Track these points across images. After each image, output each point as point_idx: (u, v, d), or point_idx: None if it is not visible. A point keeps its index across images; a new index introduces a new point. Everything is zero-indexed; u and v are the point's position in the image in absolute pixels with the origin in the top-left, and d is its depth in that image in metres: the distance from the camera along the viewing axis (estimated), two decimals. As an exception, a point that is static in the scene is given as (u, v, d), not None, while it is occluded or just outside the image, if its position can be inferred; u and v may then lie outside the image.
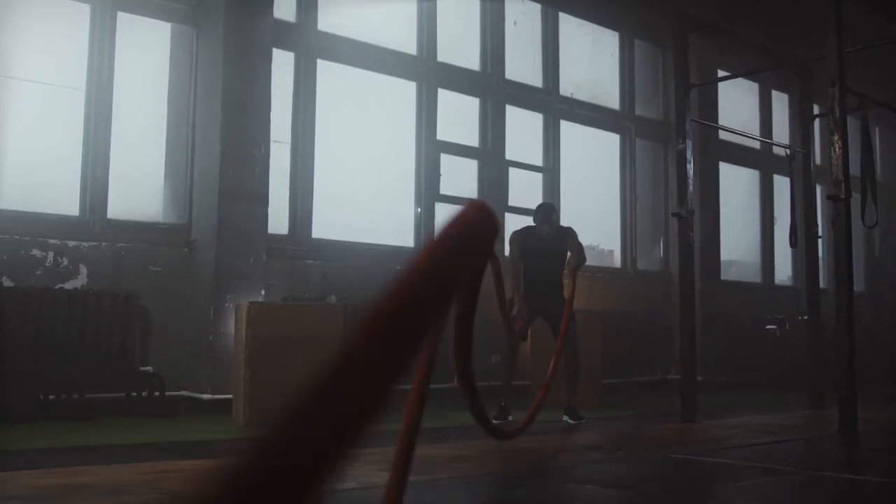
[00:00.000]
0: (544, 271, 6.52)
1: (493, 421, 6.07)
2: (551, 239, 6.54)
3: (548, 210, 6.71)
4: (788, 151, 7.90)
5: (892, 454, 5.43)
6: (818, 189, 9.56)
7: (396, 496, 2.14)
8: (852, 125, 8.19)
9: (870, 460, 5.01)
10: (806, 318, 8.06)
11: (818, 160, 10.00)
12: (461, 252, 0.83)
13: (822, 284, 8.47)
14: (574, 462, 4.55)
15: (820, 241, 8.03)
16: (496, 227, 0.99)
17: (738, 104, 11.69)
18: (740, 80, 11.48)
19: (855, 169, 7.18)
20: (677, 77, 6.77)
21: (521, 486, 3.45)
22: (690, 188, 6.52)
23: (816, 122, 8.98)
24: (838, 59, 5.67)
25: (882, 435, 6.23)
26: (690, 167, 6.52)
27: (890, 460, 5.12)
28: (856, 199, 7.15)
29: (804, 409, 7.59)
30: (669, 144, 10.28)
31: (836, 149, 5.60)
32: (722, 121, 10.31)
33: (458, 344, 1.83)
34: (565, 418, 6.40)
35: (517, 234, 6.71)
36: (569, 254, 6.60)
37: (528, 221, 6.88)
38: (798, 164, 8.01)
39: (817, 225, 7.81)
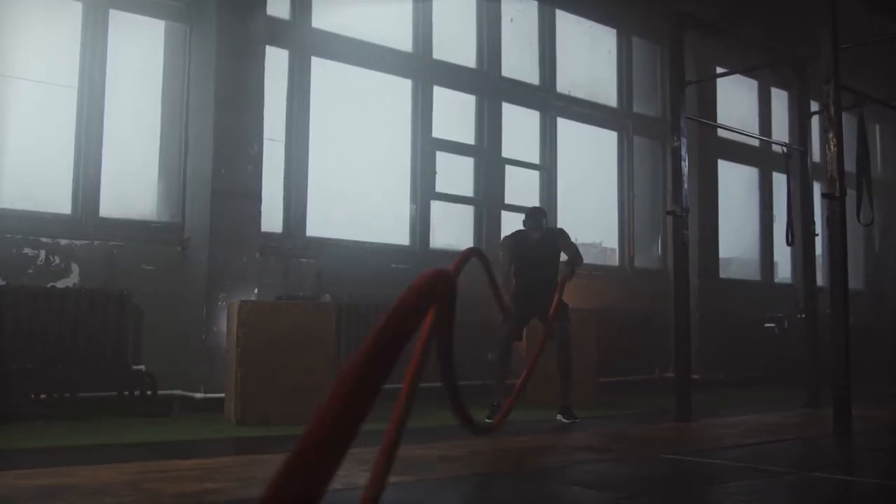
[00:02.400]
0: (537, 273, 6.50)
1: (486, 420, 6.08)
2: (542, 242, 6.54)
3: (538, 215, 6.68)
4: (785, 149, 7.85)
5: (888, 454, 5.39)
6: (816, 186, 9.52)
7: (374, 496, 2.18)
8: (850, 123, 8.16)
9: (865, 461, 4.97)
10: (804, 315, 8.01)
11: (816, 158, 9.97)
12: (415, 314, 1.13)
13: (820, 282, 8.43)
14: (563, 462, 4.52)
15: (818, 238, 7.97)
16: (448, 289, 1.27)
17: (737, 102, 11.65)
18: (740, 78, 11.44)
19: (852, 166, 7.14)
20: (672, 74, 6.73)
21: (505, 487, 3.42)
22: (685, 186, 6.47)
23: (815, 120, 8.92)
24: (833, 56, 5.63)
25: (880, 434, 6.19)
26: (685, 165, 6.48)
27: (885, 460, 5.07)
28: (853, 196, 7.12)
29: (802, 408, 7.55)
30: (667, 142, 10.22)
31: (832, 146, 5.57)
32: (722, 118, 10.27)
33: (443, 367, 1.99)
34: (559, 417, 6.38)
35: (508, 239, 6.74)
36: (562, 255, 6.60)
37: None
38: (795, 162, 7.97)
39: (814, 223, 7.75)
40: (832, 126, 5.60)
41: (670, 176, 6.98)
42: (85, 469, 3.71)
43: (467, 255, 2.42)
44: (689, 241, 6.59)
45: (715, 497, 3.65)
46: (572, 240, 6.68)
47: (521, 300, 6.51)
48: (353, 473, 3.75)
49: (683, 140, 6.48)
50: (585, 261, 9.80)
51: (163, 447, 4.70)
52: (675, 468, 4.38)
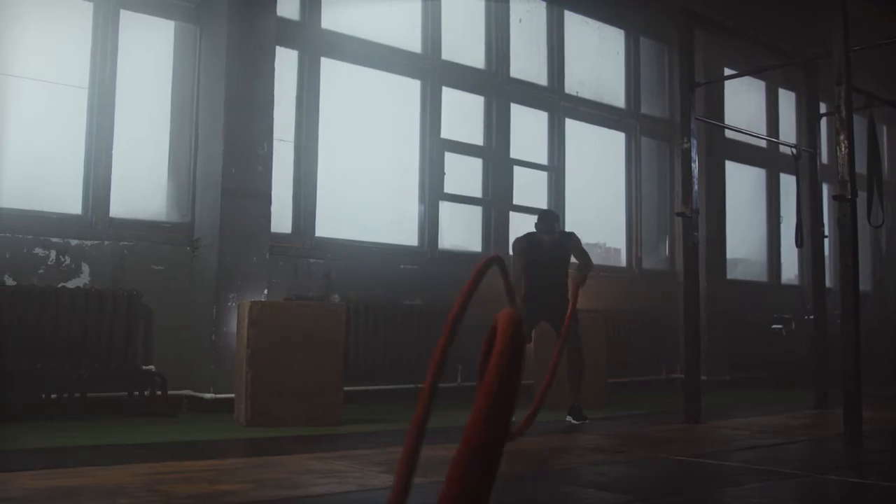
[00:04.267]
0: (548, 276, 6.52)
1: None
2: (553, 245, 6.54)
3: (550, 218, 6.71)
4: (794, 150, 7.84)
5: (897, 456, 5.38)
6: (825, 188, 9.50)
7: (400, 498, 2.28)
8: (860, 124, 8.14)
9: (875, 463, 4.96)
10: (812, 317, 8.00)
11: (825, 159, 9.95)
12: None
13: (828, 284, 8.42)
14: (575, 463, 4.52)
15: (826, 240, 7.95)
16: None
17: (745, 103, 11.64)
18: (747, 79, 11.42)
19: (862, 168, 7.13)
20: (682, 75, 6.72)
21: (518, 489, 3.41)
22: (695, 187, 6.47)
23: (824, 121, 8.90)
24: (844, 57, 5.61)
25: (889, 436, 6.19)
26: (695, 166, 6.47)
27: (894, 462, 5.07)
28: (863, 198, 7.11)
29: (810, 409, 7.55)
30: (675, 143, 10.24)
31: (842, 148, 5.55)
32: (729, 119, 10.26)
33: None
34: (569, 418, 6.38)
35: (520, 241, 6.73)
36: (572, 258, 6.60)
37: (532, 219, 6.83)
38: (804, 163, 7.95)
39: (823, 224, 7.74)
40: (843, 128, 5.58)
41: (678, 177, 6.99)
42: (97, 470, 3.72)
43: (487, 263, 2.41)
44: (699, 242, 6.59)
45: (728, 499, 3.65)
46: (582, 244, 6.67)
47: (531, 303, 6.51)
48: (366, 475, 3.76)
49: (693, 141, 6.48)
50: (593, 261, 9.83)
51: (174, 448, 4.71)
52: (687, 470, 4.38)
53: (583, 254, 6.57)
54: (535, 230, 6.67)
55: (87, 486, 3.32)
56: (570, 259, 6.66)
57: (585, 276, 6.44)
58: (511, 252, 6.74)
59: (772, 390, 9.76)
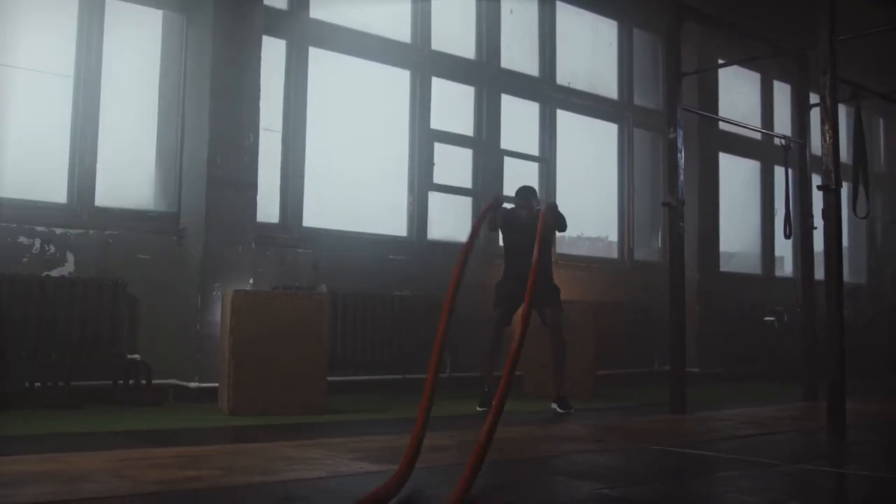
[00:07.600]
0: (526, 255, 6.41)
1: (478, 408, 6.10)
2: (533, 221, 6.43)
3: (527, 193, 6.64)
4: (783, 141, 7.81)
5: (880, 447, 5.37)
6: (817, 180, 9.47)
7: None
8: (850, 115, 8.10)
9: (856, 453, 4.96)
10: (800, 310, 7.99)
11: (818, 150, 9.91)
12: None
13: (819, 276, 8.39)
14: (551, 453, 4.51)
15: (816, 231, 7.92)
16: None
17: (742, 95, 11.62)
18: (744, 72, 11.40)
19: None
20: (668, 65, 6.71)
21: (487, 477, 3.39)
22: (681, 178, 6.45)
23: (815, 112, 8.87)
24: (830, 47, 5.59)
25: (875, 427, 6.18)
26: (681, 156, 6.45)
27: (876, 453, 5.06)
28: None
29: (799, 401, 7.55)
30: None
31: (827, 138, 5.54)
32: (725, 112, 10.23)
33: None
34: (553, 406, 6.38)
35: (503, 210, 6.69)
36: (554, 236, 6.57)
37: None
38: (794, 155, 7.93)
39: (813, 216, 7.71)
40: (828, 118, 5.58)
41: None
42: (69, 456, 3.72)
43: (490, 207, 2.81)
44: (684, 232, 6.57)
45: (698, 487, 3.64)
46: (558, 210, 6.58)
47: (509, 284, 6.48)
48: (337, 462, 3.75)
49: (679, 132, 6.46)
50: (588, 253, 9.85)
51: (151, 435, 4.71)
52: (663, 459, 4.37)
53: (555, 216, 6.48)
54: (514, 206, 6.65)
55: (53, 472, 3.32)
56: (553, 235, 6.62)
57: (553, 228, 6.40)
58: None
59: (765, 383, 9.75)
